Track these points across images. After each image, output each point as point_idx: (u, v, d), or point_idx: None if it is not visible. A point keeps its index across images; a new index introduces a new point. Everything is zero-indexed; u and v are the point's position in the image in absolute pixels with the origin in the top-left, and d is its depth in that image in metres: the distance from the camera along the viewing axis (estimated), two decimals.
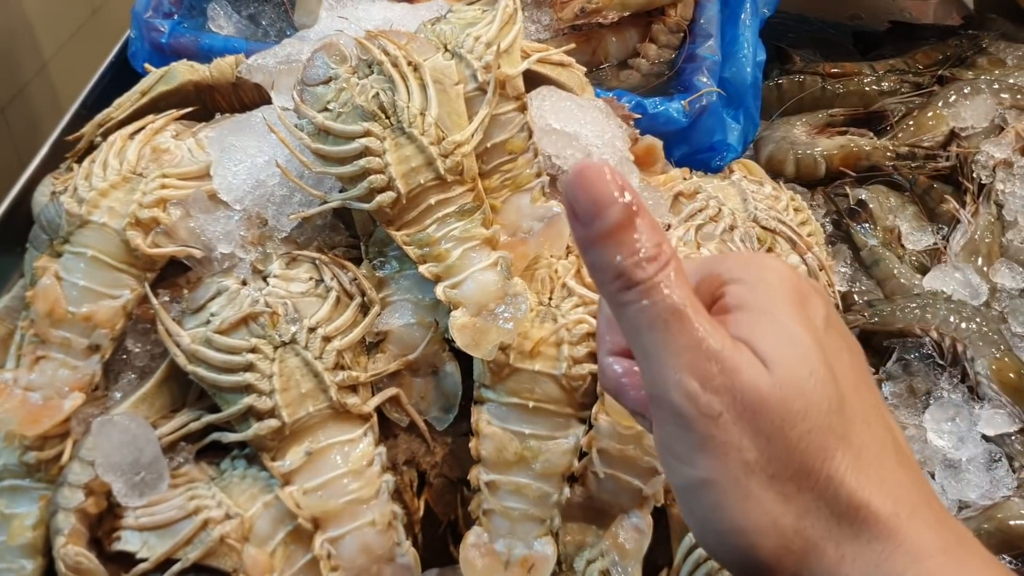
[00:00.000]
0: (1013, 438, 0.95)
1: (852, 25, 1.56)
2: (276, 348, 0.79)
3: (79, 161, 0.94)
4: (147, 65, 1.00)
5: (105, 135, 0.94)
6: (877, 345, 1.03)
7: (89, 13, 2.20)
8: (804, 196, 1.17)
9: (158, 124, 0.90)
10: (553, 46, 1.11)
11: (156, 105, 0.95)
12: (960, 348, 0.98)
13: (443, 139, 0.80)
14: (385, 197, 0.80)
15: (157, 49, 1.10)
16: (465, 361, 0.83)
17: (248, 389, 0.78)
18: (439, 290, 0.79)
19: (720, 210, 0.91)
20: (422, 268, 0.80)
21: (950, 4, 1.61)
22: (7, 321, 0.92)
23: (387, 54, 0.83)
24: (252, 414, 0.78)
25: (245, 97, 0.98)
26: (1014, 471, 0.93)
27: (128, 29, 1.16)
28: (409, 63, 0.83)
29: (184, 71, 0.96)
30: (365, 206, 0.81)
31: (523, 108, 0.86)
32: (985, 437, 0.95)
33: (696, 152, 1.11)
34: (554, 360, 0.79)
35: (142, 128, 0.90)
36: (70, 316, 0.82)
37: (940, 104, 1.26)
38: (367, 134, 0.80)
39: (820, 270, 0.94)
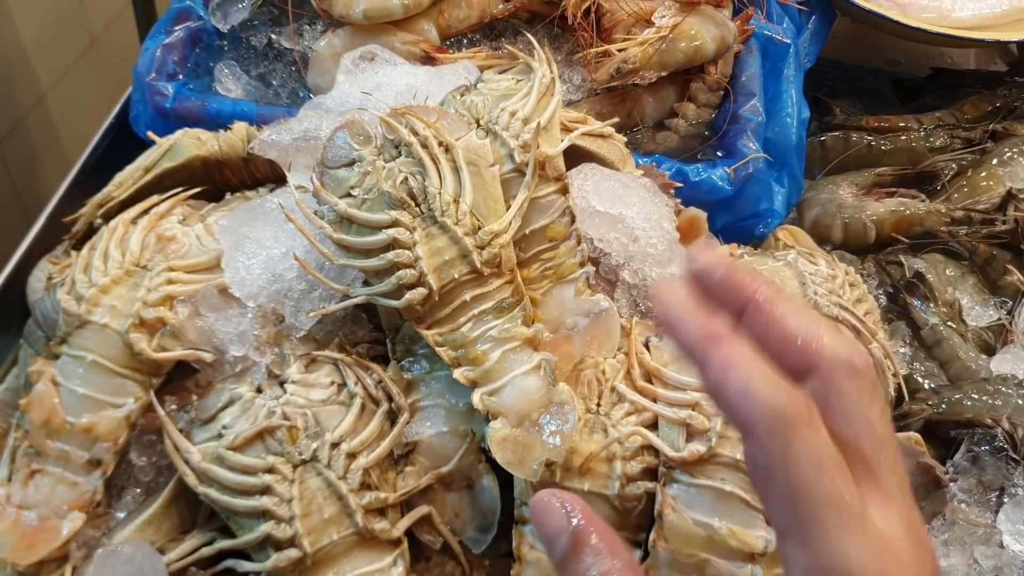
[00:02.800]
0: None
1: (891, 72, 1.49)
2: (296, 467, 0.71)
3: (77, 246, 0.87)
4: (150, 134, 0.93)
5: (105, 217, 0.87)
6: (944, 435, 0.95)
7: (88, 43, 2.16)
8: (854, 264, 1.09)
9: (163, 208, 0.83)
10: (586, 108, 1.05)
11: (161, 183, 0.88)
12: None
13: (479, 228, 0.73)
14: (416, 294, 0.72)
15: (161, 113, 1.02)
16: (504, 473, 0.75)
17: (265, 515, 0.70)
18: (476, 397, 0.72)
19: None
20: (456, 372, 0.73)
21: (993, 50, 1.53)
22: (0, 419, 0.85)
23: (416, 134, 0.76)
24: (270, 542, 0.70)
25: (257, 172, 0.90)
26: None
27: (128, 66, 1.09)
28: (440, 143, 0.76)
29: (191, 145, 0.89)
30: (394, 303, 0.73)
31: (564, 190, 0.79)
32: None
33: (739, 220, 1.04)
34: (606, 478, 0.72)
35: (146, 211, 0.83)
36: (68, 427, 0.75)
37: (995, 162, 1.18)
38: (395, 224, 0.73)
39: (885, 358, 0.86)
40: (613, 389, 0.76)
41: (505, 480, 0.76)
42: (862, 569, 0.41)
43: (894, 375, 0.87)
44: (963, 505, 0.91)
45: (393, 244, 0.73)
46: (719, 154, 1.06)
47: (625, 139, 0.90)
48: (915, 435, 0.86)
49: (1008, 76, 1.40)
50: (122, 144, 1.09)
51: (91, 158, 1.10)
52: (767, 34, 1.13)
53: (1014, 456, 0.92)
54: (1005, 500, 0.90)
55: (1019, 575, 0.86)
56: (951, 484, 0.91)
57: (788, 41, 1.11)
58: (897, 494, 0.47)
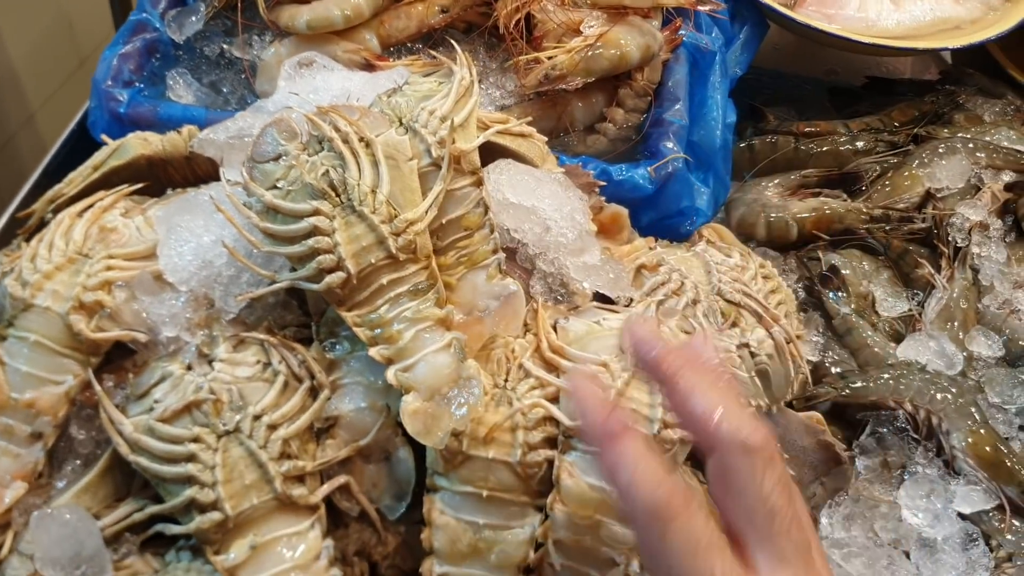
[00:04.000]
0: (990, 515, 0.92)
1: (828, 81, 1.54)
2: (219, 437, 0.76)
3: (29, 239, 0.92)
4: (104, 136, 0.98)
5: (56, 211, 0.92)
6: (850, 418, 1.00)
7: (77, 64, 2.21)
8: (776, 261, 1.15)
9: (107, 202, 0.89)
10: (518, 112, 1.11)
11: (108, 180, 0.93)
12: (935, 420, 0.96)
13: (395, 217, 0.78)
14: (334, 277, 0.77)
15: (116, 119, 1.08)
16: (419, 446, 0.80)
17: (190, 480, 0.75)
18: (390, 373, 0.77)
19: (682, 283, 0.89)
20: (373, 351, 0.78)
21: (928, 59, 1.59)
22: None
23: (337, 130, 0.81)
24: (194, 506, 0.75)
25: (199, 170, 0.96)
26: (991, 551, 0.90)
27: None
28: (361, 139, 0.81)
29: (136, 145, 0.94)
30: (314, 286, 0.78)
31: (479, 183, 0.84)
32: (961, 515, 0.92)
33: (664, 218, 1.09)
34: (509, 447, 0.77)
35: (91, 206, 0.89)
36: (12, 403, 0.79)
37: (915, 164, 1.24)
38: (316, 213, 0.78)
39: (788, 342, 0.91)
40: (520, 366, 0.81)
41: (420, 452, 0.81)
42: None
43: (797, 356, 0.91)
44: (868, 482, 0.96)
45: (314, 231, 0.78)
46: (644, 155, 1.11)
47: (548, 139, 0.96)
48: (816, 415, 0.91)
49: (939, 84, 1.45)
50: (82, 149, 1.14)
51: (53, 162, 1.15)
52: (694, 43, 1.18)
53: (915, 436, 0.97)
54: (906, 477, 0.95)
55: (915, 546, 0.91)
56: (856, 463, 0.96)
57: (714, 50, 1.17)
58: (793, 557, 0.53)
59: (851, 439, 0.98)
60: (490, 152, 0.90)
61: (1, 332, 0.82)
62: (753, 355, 0.87)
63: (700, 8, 1.13)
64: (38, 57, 2.03)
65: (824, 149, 1.28)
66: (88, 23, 2.20)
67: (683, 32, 1.18)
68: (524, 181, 0.89)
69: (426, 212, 0.80)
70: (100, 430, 0.82)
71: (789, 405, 0.92)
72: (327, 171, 0.79)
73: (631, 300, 0.89)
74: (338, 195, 0.79)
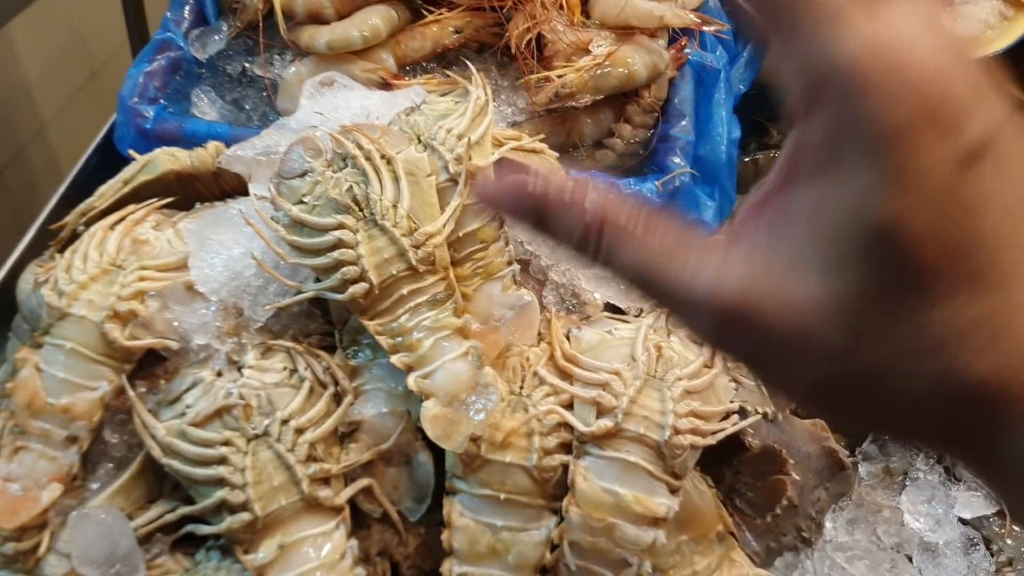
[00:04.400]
0: (991, 520, 0.96)
1: None
2: (249, 441, 0.80)
3: (62, 250, 0.96)
4: (131, 151, 1.02)
5: (88, 224, 0.95)
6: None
7: (88, 76, 2.24)
8: None
9: (138, 215, 0.92)
10: (529, 128, 1.14)
11: (138, 194, 0.97)
12: None
13: (415, 230, 0.82)
14: (357, 288, 0.81)
15: (142, 134, 1.12)
16: (439, 450, 0.83)
17: (221, 482, 0.78)
18: (411, 380, 0.80)
19: None
20: (394, 358, 0.81)
21: None
22: None
23: (360, 148, 0.85)
24: (225, 507, 0.78)
25: (226, 185, 0.99)
26: (992, 555, 0.93)
27: None
28: (382, 156, 0.85)
29: (165, 160, 0.98)
30: (338, 297, 0.82)
31: None
32: (962, 520, 0.96)
33: None
34: (525, 451, 0.80)
35: (123, 219, 0.92)
36: (49, 407, 0.83)
37: None
38: (340, 226, 0.82)
39: None
40: (535, 373, 0.84)
41: (439, 456, 0.84)
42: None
43: None
44: (870, 488, 0.99)
45: (338, 244, 0.81)
46: (652, 169, 1.15)
47: (557, 155, 0.99)
48: (820, 422, 0.94)
49: None
50: (107, 163, 1.18)
51: (79, 176, 1.19)
52: (700, 61, 1.22)
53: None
54: (907, 483, 0.99)
55: (917, 550, 0.94)
56: (859, 469, 1.00)
57: (719, 67, 1.21)
58: None
59: (854, 446, 1.02)
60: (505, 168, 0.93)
61: (37, 340, 0.85)
62: None
63: (705, 28, 1.17)
64: (49, 70, 2.06)
65: None
66: (100, 37, 2.23)
67: (688, 51, 1.22)
68: None
69: (444, 225, 0.83)
70: (133, 434, 0.86)
71: (794, 413, 0.96)
72: (351, 187, 0.83)
73: (641, 310, 0.92)
74: (361, 209, 0.83)
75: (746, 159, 1.33)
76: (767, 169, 1.34)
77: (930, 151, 0.30)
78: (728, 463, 0.88)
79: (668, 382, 0.82)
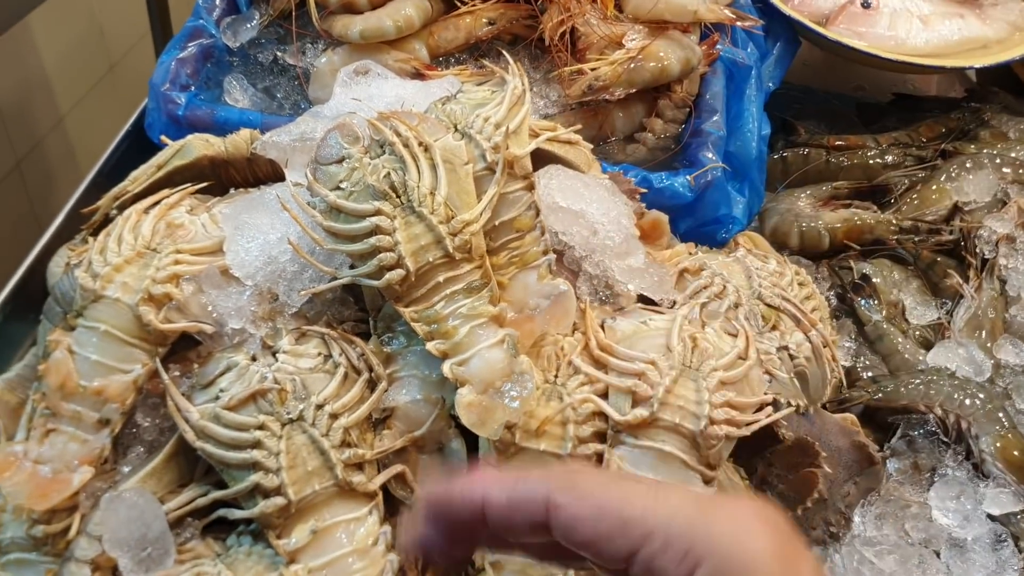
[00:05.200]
0: (1019, 517, 0.95)
1: (856, 96, 1.58)
2: (283, 425, 0.79)
3: (94, 234, 0.96)
4: (163, 137, 1.02)
5: (121, 208, 0.95)
6: (881, 421, 1.03)
7: (106, 69, 2.25)
8: (808, 269, 1.18)
9: (173, 199, 0.92)
10: (561, 121, 1.14)
11: (171, 179, 0.97)
12: (964, 425, 0.99)
13: (452, 218, 0.82)
14: (394, 275, 0.81)
15: (174, 121, 1.12)
16: (472, 437, 0.83)
17: (255, 466, 0.78)
18: (446, 367, 0.80)
19: (725, 287, 0.92)
20: (429, 345, 0.81)
21: (953, 77, 1.63)
22: (19, 391, 0.93)
23: (398, 135, 0.85)
24: (258, 491, 0.78)
25: (259, 171, 0.99)
26: (1020, 551, 0.93)
27: (145, 90, 1.18)
28: (420, 143, 0.84)
29: (199, 146, 0.98)
30: (375, 283, 0.82)
31: (531, 187, 0.88)
32: (990, 516, 0.95)
33: (702, 225, 1.12)
34: (560, 440, 0.80)
35: (157, 203, 0.92)
36: (81, 390, 0.82)
37: (943, 178, 1.27)
38: (378, 212, 0.82)
39: (824, 346, 0.94)
40: (570, 363, 0.84)
41: (473, 443, 0.84)
42: None
43: (832, 359, 0.94)
44: (898, 484, 0.99)
45: (375, 231, 0.81)
46: (683, 164, 1.15)
47: (592, 147, 0.99)
48: (851, 416, 0.94)
49: (964, 102, 1.49)
50: (137, 150, 1.18)
51: (108, 162, 1.19)
52: (731, 58, 1.22)
53: (945, 440, 1.00)
54: (936, 479, 0.98)
55: (945, 546, 0.94)
56: (887, 465, 0.99)
57: (750, 64, 1.21)
58: None
59: (882, 441, 1.01)
60: (539, 158, 0.93)
61: (71, 322, 0.85)
62: (792, 357, 0.91)
63: (739, 24, 1.16)
64: (69, 62, 2.07)
65: (854, 162, 1.32)
66: (119, 30, 2.24)
67: (720, 46, 1.21)
68: (573, 186, 0.92)
69: (481, 214, 0.83)
70: (164, 417, 0.86)
71: (823, 407, 0.95)
72: (388, 173, 0.83)
73: (674, 302, 0.92)
74: (398, 196, 0.83)
75: (774, 156, 1.33)
76: (795, 167, 1.35)
77: None
78: (760, 455, 0.87)
79: (704, 372, 0.81)
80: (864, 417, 1.02)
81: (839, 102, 1.54)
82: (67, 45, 2.06)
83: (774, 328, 0.92)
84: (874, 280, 1.14)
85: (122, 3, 2.18)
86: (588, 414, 0.81)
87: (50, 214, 2.01)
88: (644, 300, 0.92)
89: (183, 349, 0.87)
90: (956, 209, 1.23)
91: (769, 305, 0.93)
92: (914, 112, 1.47)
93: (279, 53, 1.20)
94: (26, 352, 1.03)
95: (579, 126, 0.98)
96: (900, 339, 1.09)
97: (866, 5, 1.35)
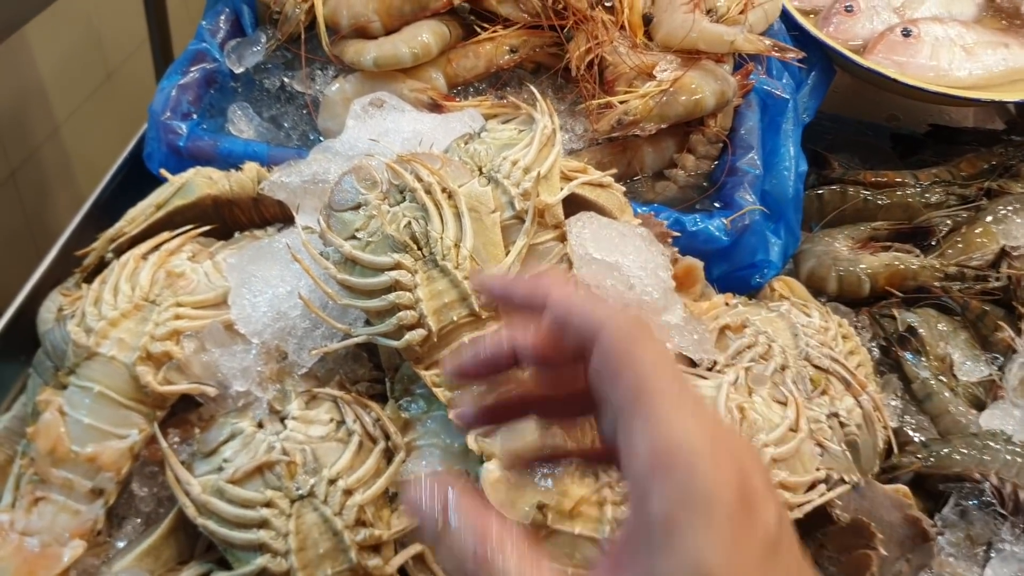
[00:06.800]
0: None
1: (890, 127, 1.51)
2: (293, 502, 0.72)
3: (88, 279, 0.89)
4: (163, 171, 0.95)
5: (117, 252, 0.89)
6: (932, 489, 0.96)
7: (104, 77, 2.19)
8: (848, 316, 1.11)
9: (173, 244, 0.85)
10: (587, 157, 1.07)
11: (172, 220, 0.90)
12: (1022, 495, 0.92)
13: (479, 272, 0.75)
14: (415, 335, 0.74)
15: (174, 152, 1.05)
16: None
17: (262, 548, 0.71)
18: (470, 439, 0.73)
19: (770, 347, 0.86)
20: (452, 413, 0.74)
21: (992, 108, 1.56)
22: (5, 446, 0.87)
23: (420, 180, 0.78)
24: (266, 575, 0.71)
25: (266, 212, 0.93)
26: None
27: (141, 99, 1.11)
28: (443, 190, 0.78)
29: (202, 184, 0.91)
30: (394, 343, 0.75)
31: (562, 237, 0.81)
32: None
33: (736, 270, 1.05)
34: (596, 522, 0.73)
35: (156, 247, 0.85)
36: (73, 456, 0.76)
37: (989, 219, 1.20)
38: (397, 266, 0.75)
39: (875, 410, 0.88)
40: None
41: None
42: (694, 444, 0.41)
43: (884, 427, 0.88)
44: (951, 559, 0.92)
45: (395, 286, 0.74)
46: (716, 205, 1.08)
47: (624, 188, 0.92)
48: (903, 488, 0.87)
49: (1005, 135, 1.42)
50: (135, 180, 1.11)
51: (104, 193, 1.12)
52: (767, 89, 1.15)
53: (1001, 511, 0.93)
54: (992, 555, 0.91)
55: None
56: (939, 537, 0.92)
57: (787, 96, 1.14)
58: None
59: (932, 511, 0.94)
60: (569, 203, 0.86)
61: (62, 380, 0.79)
62: (842, 425, 0.84)
63: (776, 55, 1.10)
64: (65, 70, 2.02)
65: (893, 200, 1.25)
66: (117, 38, 2.19)
67: (753, 76, 1.15)
68: (607, 235, 0.85)
69: (509, 268, 0.77)
70: (163, 487, 0.79)
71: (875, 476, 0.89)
72: (409, 223, 0.76)
73: (715, 362, 0.85)
74: (420, 248, 0.76)
75: (809, 193, 1.26)
76: (831, 205, 1.28)
77: (749, 526, 0.39)
78: (812, 535, 0.81)
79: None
80: (912, 484, 0.95)
81: (872, 132, 1.48)
82: (64, 53, 2.01)
83: (823, 393, 0.85)
84: (920, 332, 1.08)
85: (120, 10, 2.12)
86: (627, 494, 0.74)
87: (45, 225, 1.95)
88: (685, 361, 0.85)
89: (183, 411, 0.80)
90: (1004, 253, 1.16)
91: (817, 367, 0.86)
92: (951, 145, 1.40)
93: (286, 79, 1.13)
94: (15, 399, 0.96)
95: (614, 170, 0.91)
96: (950, 398, 1.02)
97: (907, 33, 1.29)
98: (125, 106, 2.21)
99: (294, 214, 0.85)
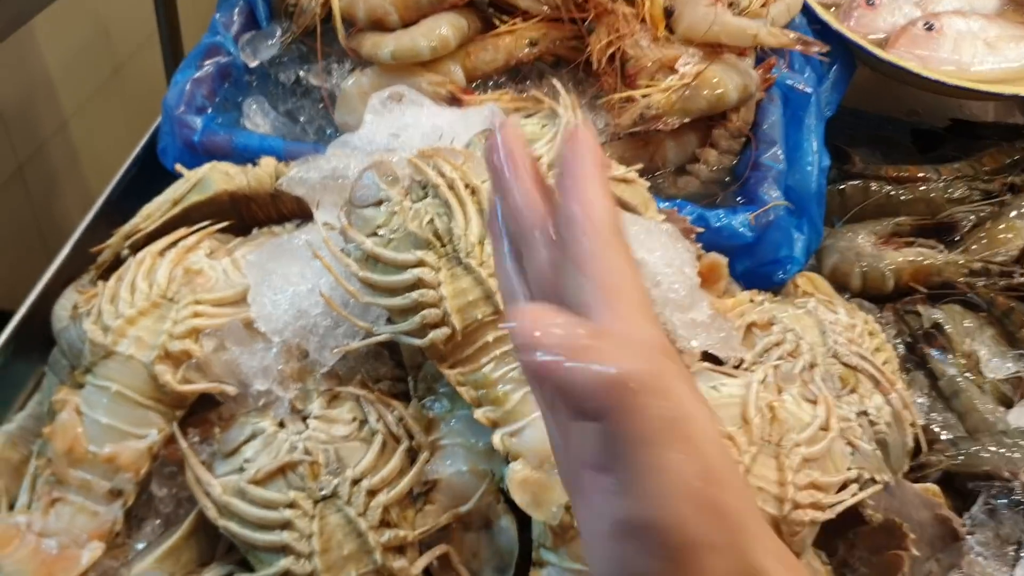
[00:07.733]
0: None
1: (910, 121, 1.49)
2: (316, 503, 0.71)
3: (104, 276, 0.88)
4: (179, 166, 0.94)
5: (133, 248, 0.87)
6: (960, 487, 0.94)
7: (111, 72, 2.18)
8: (872, 312, 1.09)
9: (190, 241, 0.84)
10: (609, 151, 1.06)
11: (188, 216, 0.89)
12: None
13: None
14: (439, 333, 0.72)
15: (189, 147, 1.03)
16: (522, 514, 0.74)
17: (285, 550, 0.70)
18: (496, 438, 0.72)
19: (798, 345, 0.84)
20: (478, 413, 0.73)
21: (1012, 102, 1.54)
22: (20, 446, 0.85)
23: (443, 175, 0.76)
24: None
25: (284, 208, 0.91)
26: None
27: (150, 93, 1.09)
28: (466, 186, 0.76)
29: (219, 180, 0.89)
30: (417, 341, 0.73)
31: None
32: None
33: (759, 266, 1.04)
34: None
35: (173, 244, 0.84)
36: (91, 456, 0.75)
37: (1013, 215, 1.19)
38: (420, 263, 0.73)
39: (904, 408, 0.86)
40: None
41: (523, 521, 0.75)
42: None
43: (912, 425, 0.86)
44: (980, 558, 0.90)
45: (418, 283, 0.73)
46: (740, 200, 1.07)
47: (647, 183, 0.91)
48: (934, 487, 0.86)
49: None
50: (148, 175, 1.10)
51: (117, 188, 1.10)
52: (789, 83, 1.13)
53: None
54: (1023, 555, 0.90)
55: None
56: (968, 537, 0.91)
57: (810, 91, 1.12)
58: None
59: (961, 510, 0.93)
60: None
61: (79, 379, 0.77)
62: (872, 424, 0.82)
63: (800, 49, 1.08)
64: (73, 63, 2.00)
65: (916, 196, 1.24)
66: (125, 31, 2.18)
67: (775, 70, 1.13)
68: (633, 232, 0.84)
69: None
70: (182, 487, 0.78)
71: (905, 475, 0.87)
72: (432, 219, 0.75)
73: (742, 360, 0.84)
74: (443, 245, 0.74)
75: (831, 188, 1.25)
76: (854, 200, 1.26)
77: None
78: (843, 535, 0.79)
79: (785, 449, 0.73)
80: (940, 482, 0.94)
81: (892, 127, 1.46)
82: (72, 46, 2.00)
83: (853, 391, 0.83)
84: (945, 328, 1.06)
85: (128, 3, 2.10)
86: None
87: (53, 220, 1.94)
88: (710, 359, 0.83)
89: (203, 410, 0.79)
90: None
91: (846, 364, 0.84)
92: (972, 139, 1.38)
93: (302, 73, 1.11)
94: (29, 396, 0.95)
95: (639, 165, 0.89)
96: (978, 396, 1.00)
97: (929, 27, 1.27)
98: (133, 100, 2.20)
99: (313, 210, 0.83)
